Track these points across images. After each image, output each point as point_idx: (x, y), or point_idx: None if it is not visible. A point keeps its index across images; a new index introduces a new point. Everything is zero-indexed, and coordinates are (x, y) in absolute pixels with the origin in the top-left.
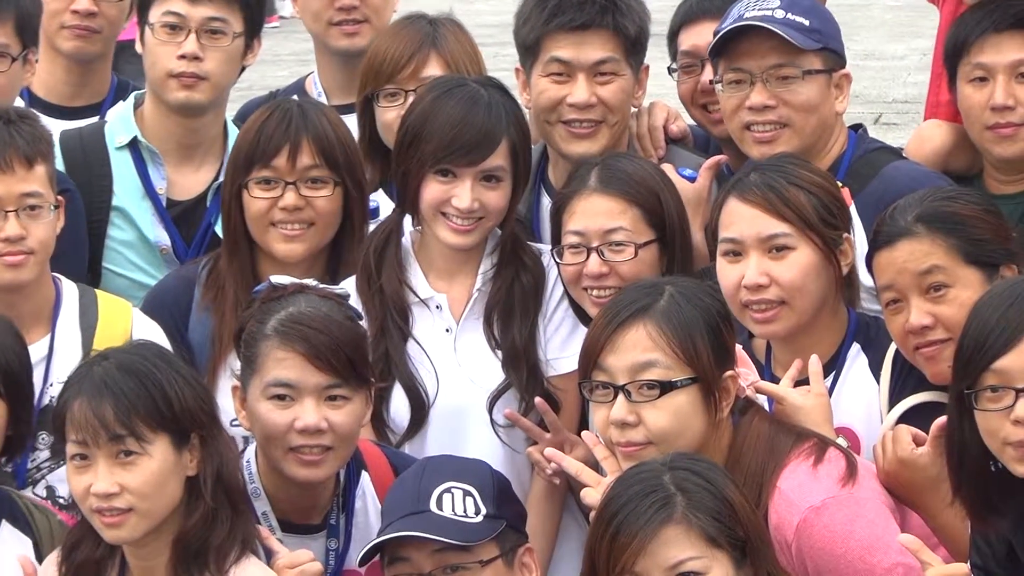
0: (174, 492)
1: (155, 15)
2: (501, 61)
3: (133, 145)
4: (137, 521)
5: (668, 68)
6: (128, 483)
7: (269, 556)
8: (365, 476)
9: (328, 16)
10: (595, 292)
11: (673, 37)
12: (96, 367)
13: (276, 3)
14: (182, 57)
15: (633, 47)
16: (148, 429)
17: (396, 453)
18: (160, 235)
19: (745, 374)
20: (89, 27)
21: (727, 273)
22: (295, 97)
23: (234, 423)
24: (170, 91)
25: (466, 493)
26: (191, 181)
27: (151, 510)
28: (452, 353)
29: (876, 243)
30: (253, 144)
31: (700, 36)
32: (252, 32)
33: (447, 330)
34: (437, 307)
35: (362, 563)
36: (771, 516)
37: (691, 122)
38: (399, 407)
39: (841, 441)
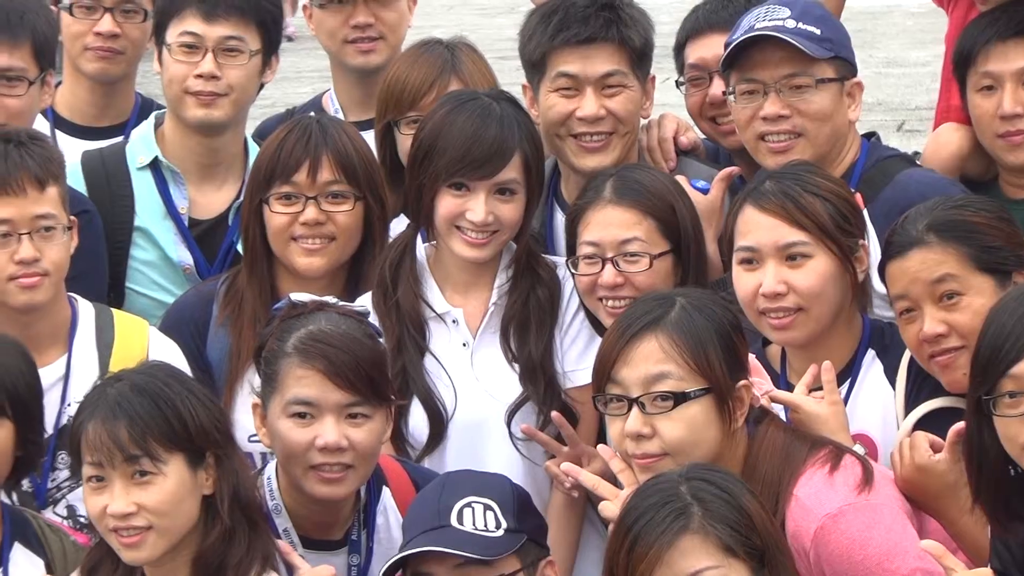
0: (191, 511)
1: (172, 35)
2: (523, 75)
3: (154, 165)
4: (156, 540)
5: (676, 81)
6: (145, 502)
7: (291, 572)
8: (386, 492)
9: (343, 34)
10: (610, 302)
11: (679, 50)
12: (110, 388)
13: (293, 20)
14: (199, 76)
15: (639, 58)
16: (163, 449)
17: (416, 468)
18: (183, 255)
19: (759, 383)
20: (112, 48)
21: (744, 281)
22: (312, 114)
23: (252, 439)
24: (188, 109)
25: (486, 507)
26: (213, 200)
27: (169, 528)
28: (469, 367)
29: (888, 253)
30: (274, 160)
31: (707, 49)
32: (269, 50)
33: (464, 344)
34: (454, 321)
35: None
36: (788, 524)
37: (700, 135)
38: (418, 422)
39: (858, 448)
